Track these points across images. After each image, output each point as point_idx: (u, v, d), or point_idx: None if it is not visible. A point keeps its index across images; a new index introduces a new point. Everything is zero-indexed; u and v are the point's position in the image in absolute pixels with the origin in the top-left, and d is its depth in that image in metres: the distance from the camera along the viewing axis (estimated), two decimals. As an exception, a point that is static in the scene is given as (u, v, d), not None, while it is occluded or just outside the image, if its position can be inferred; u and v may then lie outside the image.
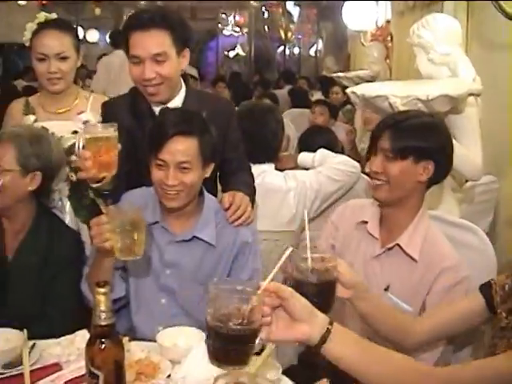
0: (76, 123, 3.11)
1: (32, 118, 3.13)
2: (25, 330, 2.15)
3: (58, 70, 3.08)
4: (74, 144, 2.92)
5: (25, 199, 2.69)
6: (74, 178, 3.01)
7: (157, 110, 2.75)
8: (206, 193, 2.60)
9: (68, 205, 3.08)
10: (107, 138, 2.22)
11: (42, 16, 3.16)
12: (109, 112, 2.88)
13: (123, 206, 2.44)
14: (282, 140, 3.67)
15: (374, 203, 2.59)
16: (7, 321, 2.32)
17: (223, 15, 17.65)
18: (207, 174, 2.51)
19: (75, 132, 3.05)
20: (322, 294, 1.78)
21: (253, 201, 2.80)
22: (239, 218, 2.57)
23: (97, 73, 8.75)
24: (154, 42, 2.61)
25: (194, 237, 2.52)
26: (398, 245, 2.46)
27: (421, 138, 2.41)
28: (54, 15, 3.20)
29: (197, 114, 2.51)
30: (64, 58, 3.09)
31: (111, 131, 2.23)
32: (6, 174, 2.60)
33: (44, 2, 15.83)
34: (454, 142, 2.57)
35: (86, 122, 3.09)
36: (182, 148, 2.37)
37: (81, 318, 2.50)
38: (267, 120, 3.51)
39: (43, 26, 3.11)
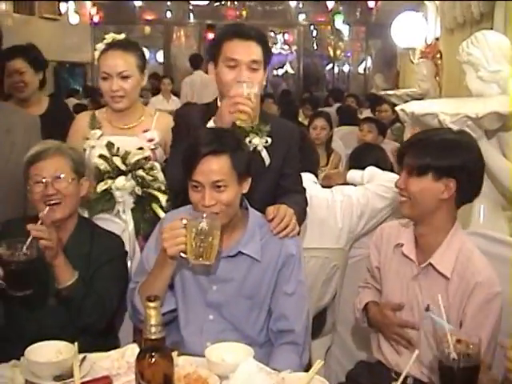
0: (141, 140, 3.19)
1: (98, 132, 3.20)
2: (76, 343, 2.17)
3: (121, 88, 3.15)
4: (141, 159, 3.04)
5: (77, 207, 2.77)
6: (139, 191, 3.08)
7: None
8: (250, 207, 2.62)
9: (130, 216, 3.11)
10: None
11: (111, 36, 3.25)
12: (182, 118, 2.97)
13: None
14: (315, 157, 3.68)
15: (408, 224, 2.61)
16: (59, 333, 2.36)
17: (272, 33, 17.73)
18: (245, 190, 2.52)
19: (141, 148, 3.13)
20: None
21: (300, 222, 2.82)
22: (283, 230, 2.59)
23: (182, 91, 10.30)
24: (253, 51, 2.76)
25: (239, 252, 2.53)
26: (430, 264, 2.47)
27: (441, 155, 2.42)
28: (122, 36, 3.29)
29: (228, 130, 2.54)
30: (126, 77, 3.16)
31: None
32: (69, 182, 2.66)
33: (95, 21, 16.16)
34: (503, 159, 2.55)
35: (150, 140, 3.18)
36: (214, 167, 2.38)
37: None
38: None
39: (109, 46, 3.20)
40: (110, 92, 3.16)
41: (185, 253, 2.30)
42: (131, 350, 2.25)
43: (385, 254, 2.68)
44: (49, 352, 2.19)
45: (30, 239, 2.35)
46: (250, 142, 2.75)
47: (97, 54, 3.23)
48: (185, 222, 2.30)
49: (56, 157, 2.65)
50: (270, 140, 2.81)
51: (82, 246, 2.62)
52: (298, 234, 2.70)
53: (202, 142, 2.42)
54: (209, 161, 2.38)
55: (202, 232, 2.24)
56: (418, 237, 2.55)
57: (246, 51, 2.75)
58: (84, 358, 2.23)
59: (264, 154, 2.82)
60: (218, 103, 2.87)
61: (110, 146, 3.10)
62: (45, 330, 2.44)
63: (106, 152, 3.09)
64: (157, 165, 3.15)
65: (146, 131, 3.21)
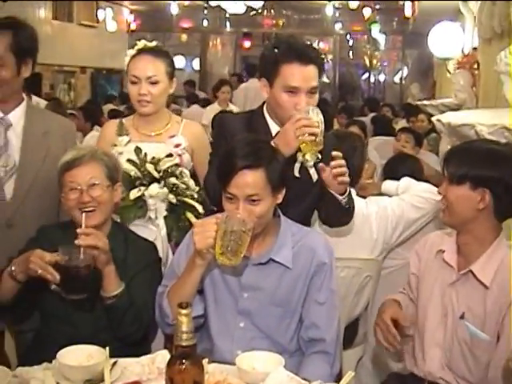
0: (168, 146, 3.19)
1: (126, 138, 3.21)
2: (107, 348, 2.18)
3: (148, 92, 3.16)
4: (171, 166, 3.05)
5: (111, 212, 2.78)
6: (174, 200, 3.09)
7: (274, 129, 2.82)
8: (282, 215, 2.61)
9: (163, 222, 3.12)
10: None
11: (142, 43, 3.26)
12: (223, 126, 2.96)
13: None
14: (361, 167, 3.65)
15: (451, 233, 2.61)
16: (92, 337, 2.37)
17: (308, 42, 17.74)
18: (279, 200, 2.51)
19: (170, 155, 3.13)
20: None
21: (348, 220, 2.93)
22: (341, 174, 2.61)
23: (236, 98, 10.14)
24: (312, 76, 2.72)
25: (271, 259, 2.52)
26: (471, 271, 2.45)
27: (479, 165, 2.41)
28: (153, 43, 3.31)
29: (264, 142, 2.53)
30: (155, 83, 3.16)
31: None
32: (104, 190, 2.66)
33: (133, 29, 16.34)
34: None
35: (177, 145, 3.18)
36: (249, 181, 2.38)
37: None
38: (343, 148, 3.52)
39: (140, 51, 3.22)
40: (138, 96, 3.18)
41: (213, 248, 2.31)
42: (162, 356, 2.25)
43: (425, 261, 2.67)
44: (80, 356, 2.20)
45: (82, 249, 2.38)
46: (303, 156, 2.70)
47: (127, 59, 3.24)
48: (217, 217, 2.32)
49: (91, 164, 2.65)
50: (320, 156, 2.75)
51: (117, 251, 2.60)
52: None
53: (238, 154, 2.41)
54: (244, 174, 2.38)
55: (232, 232, 2.26)
56: (461, 245, 2.53)
57: (306, 78, 2.71)
58: (115, 362, 2.24)
59: (312, 170, 2.80)
60: (265, 115, 2.86)
61: (138, 151, 3.12)
62: (78, 335, 2.45)
63: (134, 158, 3.10)
64: (186, 172, 3.17)
65: (172, 137, 3.22)
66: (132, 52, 3.24)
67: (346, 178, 2.65)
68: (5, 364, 2.26)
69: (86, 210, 2.61)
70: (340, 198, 2.72)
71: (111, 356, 2.20)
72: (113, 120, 3.37)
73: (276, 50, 2.78)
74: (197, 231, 2.34)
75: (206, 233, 2.30)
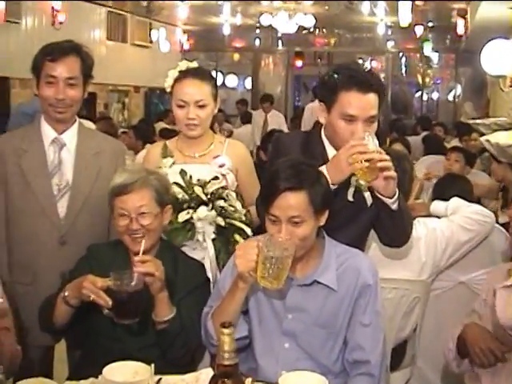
0: (212, 166, 3.20)
1: (170, 160, 3.22)
2: (152, 365, 2.21)
3: (196, 116, 3.16)
4: (218, 189, 3.07)
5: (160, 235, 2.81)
6: (222, 223, 3.10)
7: (331, 153, 2.79)
8: (326, 236, 2.61)
9: (211, 244, 3.13)
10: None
11: (184, 64, 3.27)
12: (281, 144, 2.96)
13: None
14: (410, 189, 3.62)
15: None
16: (138, 352, 2.40)
17: (360, 60, 17.71)
18: (322, 223, 2.51)
19: (216, 178, 3.14)
20: None
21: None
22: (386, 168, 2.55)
23: (304, 116, 11.04)
24: (372, 105, 2.68)
25: (315, 281, 2.52)
26: None
27: None
28: (194, 64, 3.31)
29: (308, 165, 2.51)
30: (202, 106, 3.17)
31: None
32: (154, 218, 2.68)
33: (186, 49, 16.53)
34: None
35: (221, 166, 3.19)
36: (292, 203, 2.39)
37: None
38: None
39: (185, 73, 3.22)
40: (186, 120, 3.18)
41: (255, 272, 2.31)
42: (206, 375, 2.26)
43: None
44: (126, 372, 2.23)
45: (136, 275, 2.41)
46: (356, 181, 2.70)
47: (170, 80, 3.24)
48: (259, 240, 2.33)
49: (142, 191, 2.67)
50: None
51: (166, 272, 2.60)
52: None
53: (280, 176, 2.42)
54: (287, 196, 2.39)
55: (273, 255, 2.26)
56: None
57: (364, 107, 2.65)
58: (159, 380, 2.27)
59: (367, 194, 2.76)
60: (323, 138, 2.84)
61: (183, 173, 3.13)
62: (125, 350, 2.49)
63: (179, 180, 3.12)
64: (233, 194, 3.16)
65: (216, 157, 3.22)
66: (174, 73, 3.23)
67: (393, 173, 2.56)
68: (52, 377, 2.32)
69: (135, 236, 2.65)
70: (389, 201, 2.63)
71: (156, 373, 2.23)
72: (157, 143, 3.40)
73: (336, 76, 2.73)
74: (239, 254, 2.36)
75: (248, 256, 2.31)
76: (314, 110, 10.20)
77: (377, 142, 2.56)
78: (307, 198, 2.40)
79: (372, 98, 2.67)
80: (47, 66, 2.94)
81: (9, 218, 3.03)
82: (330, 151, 2.81)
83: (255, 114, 11.97)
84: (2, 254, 3.03)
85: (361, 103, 2.65)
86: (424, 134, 9.94)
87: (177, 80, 3.22)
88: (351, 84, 2.66)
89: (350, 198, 2.77)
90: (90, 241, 2.95)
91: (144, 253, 2.58)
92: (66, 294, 2.54)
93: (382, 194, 2.62)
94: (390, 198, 2.63)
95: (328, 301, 2.53)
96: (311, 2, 12.82)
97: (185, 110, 3.18)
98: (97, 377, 2.26)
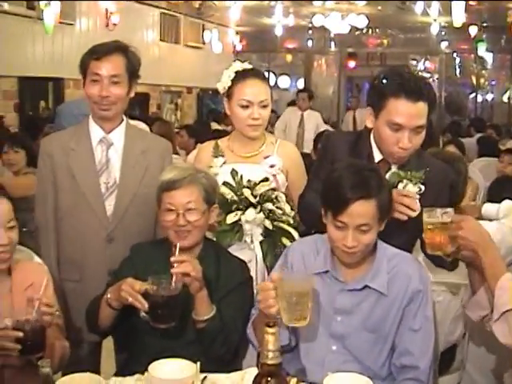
0: (263, 166, 3.21)
1: (221, 160, 3.24)
2: (198, 363, 2.21)
3: (260, 116, 3.18)
4: (268, 191, 3.09)
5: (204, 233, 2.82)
6: (270, 226, 3.11)
7: (377, 156, 2.80)
8: (378, 240, 2.58)
9: (259, 248, 3.15)
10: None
11: (238, 64, 3.28)
12: (330, 143, 2.97)
13: (297, 272, 2.53)
14: (464, 191, 3.56)
15: None
16: (181, 351, 2.41)
17: (413, 61, 17.54)
18: (381, 228, 2.49)
19: (266, 179, 3.15)
20: None
21: None
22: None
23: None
24: (421, 115, 2.65)
25: (366, 286, 2.51)
26: None
27: None
28: (248, 64, 3.31)
29: (371, 170, 2.49)
30: (265, 106, 3.20)
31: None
32: (201, 215, 2.69)
33: (238, 50, 16.59)
34: None
35: (272, 166, 3.20)
36: (361, 211, 2.38)
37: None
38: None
39: (245, 74, 3.23)
40: (250, 120, 3.17)
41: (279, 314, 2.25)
42: (250, 374, 2.25)
43: None
44: (171, 369, 2.23)
45: (174, 277, 2.42)
46: (404, 187, 2.68)
47: (226, 80, 3.23)
48: (276, 278, 2.29)
49: (190, 187, 2.69)
50: (423, 188, 2.71)
51: (209, 271, 2.63)
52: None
53: (346, 183, 2.40)
54: (356, 205, 2.37)
55: (292, 297, 2.18)
56: None
57: (412, 116, 2.62)
58: (205, 378, 2.28)
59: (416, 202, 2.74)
60: (371, 141, 2.82)
61: (234, 173, 3.14)
62: (169, 348, 2.48)
63: (230, 179, 3.13)
64: (282, 196, 3.16)
65: (267, 157, 3.23)
66: (230, 74, 3.24)
67: (404, 217, 2.58)
68: (100, 373, 2.35)
69: (181, 231, 2.67)
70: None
71: (201, 371, 2.24)
72: (208, 142, 3.42)
73: (386, 81, 2.70)
74: (259, 299, 2.34)
75: (267, 302, 2.28)
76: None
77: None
78: (375, 205, 2.39)
79: (421, 107, 2.63)
80: (92, 65, 3.00)
81: (58, 215, 3.09)
82: (377, 155, 2.80)
83: (288, 111, 10.79)
84: (52, 251, 3.09)
85: (409, 112, 2.61)
86: (478, 135, 9.79)
87: (236, 80, 3.22)
88: (400, 92, 2.62)
89: None
90: (136, 238, 2.99)
91: (188, 249, 2.63)
92: (109, 296, 2.57)
93: None
94: None
95: (378, 305, 2.51)
96: (364, 2, 12.73)
97: (249, 110, 3.17)
98: (143, 373, 2.28)
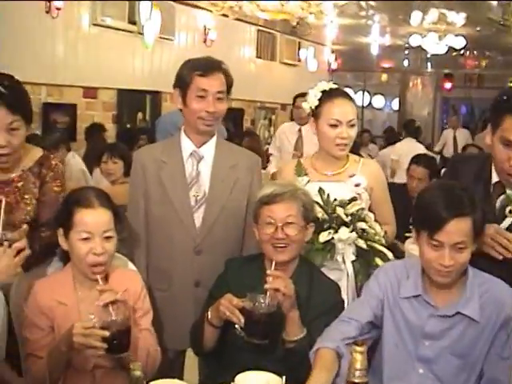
0: (348, 185, 3.20)
1: (305, 178, 3.24)
2: (283, 377, 2.23)
3: (348, 136, 3.19)
4: (358, 210, 3.08)
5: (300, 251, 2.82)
6: (364, 245, 3.09)
7: (494, 178, 2.77)
8: (468, 265, 2.52)
9: (351, 268, 3.13)
10: None
11: (325, 84, 3.30)
12: (457, 167, 2.96)
13: None
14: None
15: None
16: (267, 364, 2.44)
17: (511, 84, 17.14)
18: (474, 248, 2.44)
19: (354, 199, 3.13)
20: None
21: None
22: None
23: None
24: None
25: (458, 312, 2.46)
26: None
27: None
28: (333, 84, 3.33)
29: (464, 189, 2.46)
30: (353, 126, 3.21)
31: None
32: (299, 229, 2.72)
33: (334, 68, 16.59)
34: None
35: (357, 185, 3.19)
36: (458, 229, 2.35)
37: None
38: None
39: (334, 93, 3.25)
40: (338, 139, 3.18)
41: None
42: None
43: None
44: (257, 382, 2.26)
45: (268, 294, 2.47)
46: (509, 212, 2.66)
47: (313, 100, 3.26)
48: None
49: (290, 202, 2.72)
50: None
51: (301, 290, 2.64)
52: None
53: (442, 202, 2.38)
54: (452, 223, 2.35)
55: None
56: None
57: None
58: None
59: None
60: (492, 170, 2.79)
61: (321, 192, 3.13)
62: (256, 363, 2.48)
63: (318, 198, 3.11)
64: (371, 215, 3.15)
65: (352, 176, 3.22)
66: (317, 93, 3.26)
67: (499, 256, 2.57)
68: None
69: (278, 245, 2.69)
70: None
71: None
72: (291, 160, 3.43)
73: (504, 99, 2.68)
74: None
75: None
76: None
77: None
78: (471, 223, 2.37)
79: None
80: (198, 81, 3.03)
81: (148, 225, 3.14)
82: (494, 177, 2.77)
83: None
84: (143, 259, 3.15)
85: None
86: None
87: (325, 99, 3.24)
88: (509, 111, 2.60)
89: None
90: (224, 251, 3.03)
91: (283, 264, 2.66)
92: (209, 315, 2.64)
93: None
94: None
95: (468, 331, 2.45)
96: (462, 22, 12.53)
97: (337, 130, 3.18)
98: None
